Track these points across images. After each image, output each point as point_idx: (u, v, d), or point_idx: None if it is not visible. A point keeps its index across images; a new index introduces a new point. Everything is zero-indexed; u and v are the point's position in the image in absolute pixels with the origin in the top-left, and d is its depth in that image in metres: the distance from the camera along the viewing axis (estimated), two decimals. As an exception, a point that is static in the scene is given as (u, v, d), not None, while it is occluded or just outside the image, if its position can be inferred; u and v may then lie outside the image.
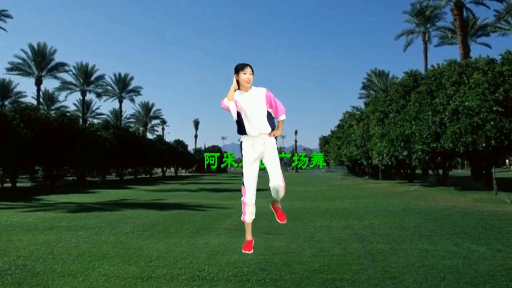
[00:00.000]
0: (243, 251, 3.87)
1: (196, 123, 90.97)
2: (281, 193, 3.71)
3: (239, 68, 3.57)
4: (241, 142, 3.71)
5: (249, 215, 3.73)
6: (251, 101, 3.58)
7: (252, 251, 3.90)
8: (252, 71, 3.59)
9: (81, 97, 47.35)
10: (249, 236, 3.86)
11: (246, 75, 3.55)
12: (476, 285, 4.15)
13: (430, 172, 26.26)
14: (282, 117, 3.72)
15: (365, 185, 25.42)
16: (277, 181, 3.60)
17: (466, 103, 15.14)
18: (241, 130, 3.63)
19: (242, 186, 3.69)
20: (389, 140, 19.68)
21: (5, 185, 24.98)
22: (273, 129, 3.68)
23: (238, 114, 3.61)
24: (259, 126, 3.59)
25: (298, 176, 50.44)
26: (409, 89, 21.36)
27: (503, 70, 15.63)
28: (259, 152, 3.64)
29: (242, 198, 3.70)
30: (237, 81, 3.58)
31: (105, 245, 6.32)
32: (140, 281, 4.42)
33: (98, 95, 48.75)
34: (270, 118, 3.65)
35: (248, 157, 3.65)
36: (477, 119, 14.66)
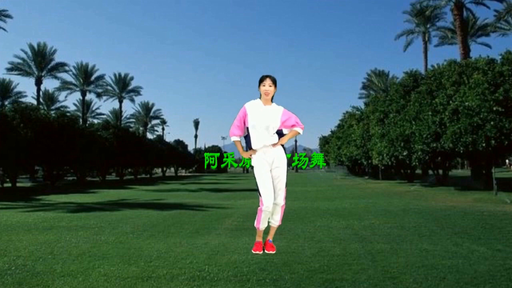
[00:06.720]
0: (253, 251, 3.86)
1: (196, 123, 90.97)
2: (280, 214, 3.67)
3: (260, 80, 3.58)
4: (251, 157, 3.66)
5: (263, 223, 3.69)
6: (267, 116, 3.55)
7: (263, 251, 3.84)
8: (274, 83, 3.56)
9: (81, 97, 47.37)
10: (259, 238, 3.85)
11: (265, 87, 3.55)
12: (476, 285, 4.15)
13: (430, 172, 26.25)
14: (298, 129, 3.65)
15: (365, 185, 25.42)
16: (278, 200, 3.61)
17: (466, 103, 15.14)
18: (248, 143, 3.63)
19: (259, 196, 3.60)
20: (389, 140, 19.67)
21: (5, 185, 24.98)
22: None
23: (246, 130, 3.62)
24: (264, 140, 3.56)
25: (298, 176, 50.42)
26: (409, 89, 21.36)
27: (503, 70, 15.63)
28: (268, 162, 3.59)
29: (259, 207, 3.62)
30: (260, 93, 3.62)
31: (105, 245, 6.32)
32: (140, 281, 4.42)
33: (98, 95, 48.81)
34: (280, 135, 3.63)
35: (259, 165, 3.59)
36: (477, 119, 14.66)
